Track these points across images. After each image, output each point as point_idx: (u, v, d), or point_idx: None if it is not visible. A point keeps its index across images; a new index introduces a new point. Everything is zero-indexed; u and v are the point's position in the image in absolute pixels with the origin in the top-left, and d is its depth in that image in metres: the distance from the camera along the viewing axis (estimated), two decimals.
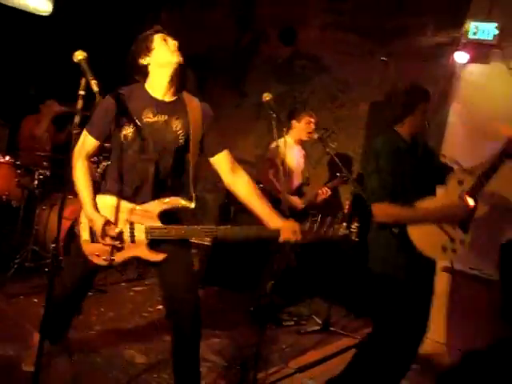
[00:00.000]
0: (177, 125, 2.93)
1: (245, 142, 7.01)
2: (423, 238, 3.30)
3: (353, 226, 5.92)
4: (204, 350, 4.17)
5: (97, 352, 3.75)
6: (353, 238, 5.94)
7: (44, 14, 6.33)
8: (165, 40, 2.91)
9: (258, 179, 5.03)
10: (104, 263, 2.94)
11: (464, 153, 4.09)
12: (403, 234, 3.31)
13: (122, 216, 2.90)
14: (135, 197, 2.93)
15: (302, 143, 5.25)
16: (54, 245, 2.68)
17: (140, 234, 2.91)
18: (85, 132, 2.96)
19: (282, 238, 2.86)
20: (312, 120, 5.11)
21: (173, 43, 2.92)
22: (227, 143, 3.11)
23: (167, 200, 2.93)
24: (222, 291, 5.67)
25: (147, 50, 2.90)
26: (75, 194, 2.98)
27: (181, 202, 2.94)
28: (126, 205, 2.91)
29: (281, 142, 3.76)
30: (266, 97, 3.67)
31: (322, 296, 5.86)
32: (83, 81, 2.65)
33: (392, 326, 3.41)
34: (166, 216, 2.92)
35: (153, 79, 2.94)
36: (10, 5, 5.91)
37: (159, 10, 7.67)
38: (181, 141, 2.93)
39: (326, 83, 6.66)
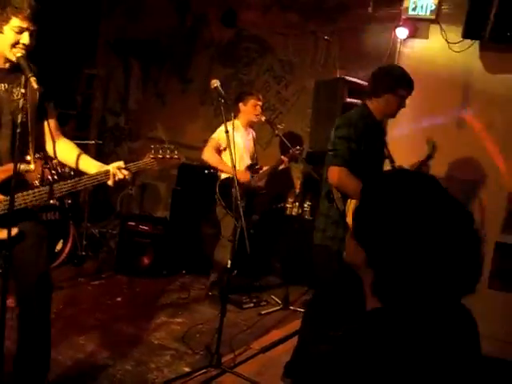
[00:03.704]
0: (17, 93, 2.71)
1: (192, 128, 6.98)
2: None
3: (305, 205, 6.04)
4: (166, 338, 4.23)
5: (59, 350, 3.70)
6: (306, 216, 6.05)
7: None
8: (18, 32, 2.59)
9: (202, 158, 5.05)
10: None
11: (409, 127, 4.19)
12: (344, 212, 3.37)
13: None
14: None
15: (252, 125, 5.27)
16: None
17: None
18: None
19: (111, 178, 2.86)
20: (258, 102, 5.14)
21: (25, 37, 2.60)
22: (55, 113, 2.99)
23: (1, 168, 2.67)
24: (175, 278, 5.69)
25: None
26: None
27: (19, 166, 2.62)
28: None
29: (229, 125, 3.76)
30: (214, 83, 3.68)
31: (279, 276, 5.94)
32: (23, 78, 2.59)
33: (329, 294, 3.52)
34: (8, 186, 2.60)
35: None
36: None
37: None
38: (23, 109, 2.64)
39: (271, 64, 6.67)
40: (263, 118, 5.13)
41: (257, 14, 6.64)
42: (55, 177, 4.70)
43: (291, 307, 5.17)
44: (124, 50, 7.56)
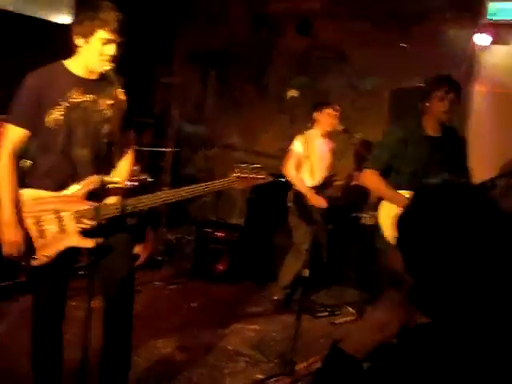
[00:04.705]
0: (103, 104, 2.81)
1: (267, 136, 7.03)
2: (388, 220, 3.73)
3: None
4: (240, 345, 4.26)
5: (136, 352, 3.79)
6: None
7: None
8: (105, 43, 2.69)
9: (283, 172, 5.07)
10: (37, 263, 2.79)
11: (492, 140, 4.07)
12: None
13: (47, 207, 2.75)
14: (68, 186, 2.78)
15: (329, 135, 5.24)
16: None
17: (69, 222, 2.76)
18: (9, 125, 2.76)
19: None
20: (332, 112, 5.10)
21: (111, 49, 2.71)
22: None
23: (89, 180, 2.76)
24: (251, 285, 5.72)
25: (84, 35, 2.69)
26: None
27: (104, 178, 2.77)
28: (49, 194, 2.76)
29: (306, 135, 3.81)
30: (292, 93, 3.74)
31: (353, 285, 5.88)
32: (110, 90, 2.70)
33: None
34: (99, 196, 2.74)
35: (78, 59, 2.78)
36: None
37: (177, 8, 7.69)
38: (108, 120, 2.81)
39: (346, 73, 6.63)
40: (340, 128, 5.10)
41: (331, 23, 6.62)
42: (135, 183, 4.85)
43: None
44: (201, 59, 7.69)
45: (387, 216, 3.75)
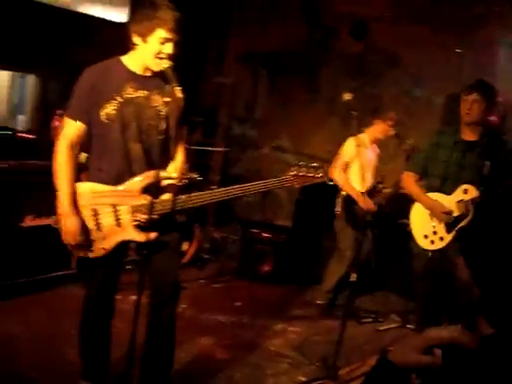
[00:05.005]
0: (157, 100, 2.83)
1: (317, 138, 6.99)
2: (417, 220, 4.02)
3: None
4: (283, 346, 4.27)
5: (179, 348, 3.83)
6: None
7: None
8: (163, 42, 2.71)
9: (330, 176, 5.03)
10: (94, 255, 2.85)
11: None
12: None
13: (104, 200, 2.80)
14: (122, 180, 2.83)
15: (377, 141, 5.18)
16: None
17: (125, 216, 2.81)
18: (66, 119, 2.82)
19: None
20: (391, 122, 5.03)
21: (169, 48, 2.74)
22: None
23: (146, 174, 2.81)
24: (294, 287, 5.70)
25: (142, 34, 2.72)
26: None
27: (160, 174, 2.78)
28: (106, 188, 2.81)
29: (357, 139, 3.81)
30: (347, 97, 3.73)
31: (398, 292, 5.80)
32: (167, 87, 2.73)
33: None
34: (153, 191, 2.76)
35: (135, 56, 2.82)
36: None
37: (230, 8, 7.75)
38: (161, 117, 2.82)
39: (400, 77, 6.54)
40: (393, 133, 5.04)
41: (386, 27, 6.55)
42: (185, 181, 4.88)
43: (409, 326, 5.02)
44: (253, 59, 7.72)
45: (417, 219, 4.01)
